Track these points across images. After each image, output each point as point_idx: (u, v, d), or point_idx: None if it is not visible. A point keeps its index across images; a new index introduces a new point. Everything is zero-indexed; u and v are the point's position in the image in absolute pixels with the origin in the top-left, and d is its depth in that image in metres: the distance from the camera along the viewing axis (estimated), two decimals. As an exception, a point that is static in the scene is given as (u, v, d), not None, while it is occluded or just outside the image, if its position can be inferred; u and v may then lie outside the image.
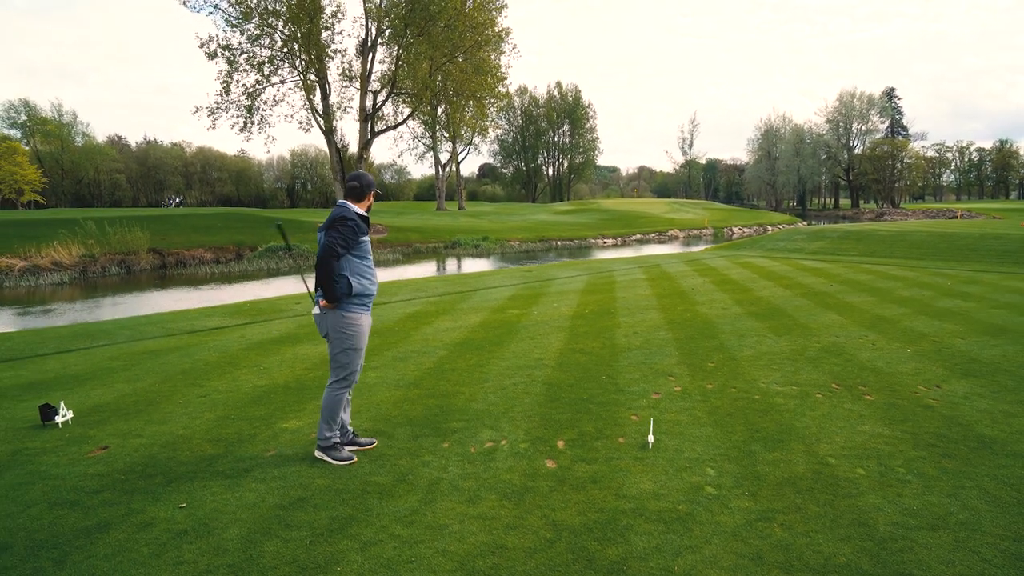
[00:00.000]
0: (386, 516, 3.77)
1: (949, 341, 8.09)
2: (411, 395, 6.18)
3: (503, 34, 42.61)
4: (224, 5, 37.25)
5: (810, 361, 7.18)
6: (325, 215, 51.97)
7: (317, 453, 4.63)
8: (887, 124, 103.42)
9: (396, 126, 44.53)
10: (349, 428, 4.80)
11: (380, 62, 42.18)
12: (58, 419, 5.48)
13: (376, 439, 4.98)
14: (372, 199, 4.68)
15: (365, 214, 4.62)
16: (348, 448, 4.73)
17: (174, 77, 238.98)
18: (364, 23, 39.94)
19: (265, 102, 39.66)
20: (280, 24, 38.34)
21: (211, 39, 37.04)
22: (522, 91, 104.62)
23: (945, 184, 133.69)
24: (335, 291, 4.44)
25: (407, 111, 43.93)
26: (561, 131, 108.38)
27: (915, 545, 3.37)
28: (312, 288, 4.81)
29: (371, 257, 4.60)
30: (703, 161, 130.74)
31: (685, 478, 4.24)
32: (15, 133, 79.74)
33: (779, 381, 6.43)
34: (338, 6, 39.38)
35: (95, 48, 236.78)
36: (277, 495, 4.07)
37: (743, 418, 5.35)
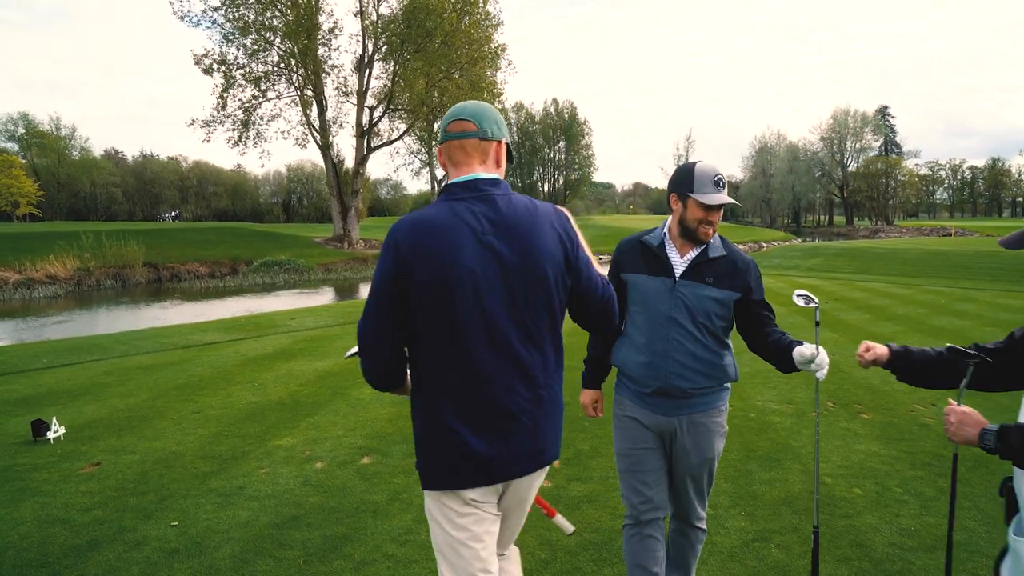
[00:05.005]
0: (380, 535, 3.74)
1: (944, 359, 8.10)
2: (405, 412, 6.15)
3: (499, 51, 42.83)
4: (221, 20, 37.39)
5: (806, 379, 7.17)
6: (321, 230, 51.91)
7: None
8: (881, 142, 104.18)
9: (392, 142, 44.67)
10: None
11: (376, 78, 42.32)
12: (50, 435, 5.43)
13: (371, 457, 4.95)
14: None
15: None
16: None
17: (169, 91, 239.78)
18: (361, 39, 40.22)
19: (261, 117, 39.79)
20: (277, 40, 38.54)
21: (206, 54, 37.18)
22: (518, 107, 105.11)
23: (938, 202, 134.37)
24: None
25: (403, 127, 44.07)
26: (557, 147, 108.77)
27: (913, 567, 3.35)
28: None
29: None
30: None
31: (681, 497, 4.22)
32: (12, 146, 79.77)
33: (775, 399, 6.42)
34: (335, 22, 39.85)
35: (91, 62, 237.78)
36: (270, 513, 4.04)
37: (739, 437, 5.33)
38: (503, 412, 1.98)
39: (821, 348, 2.46)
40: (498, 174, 2.06)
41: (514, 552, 2.38)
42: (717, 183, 2.57)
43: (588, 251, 2.12)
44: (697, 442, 2.70)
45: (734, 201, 2.62)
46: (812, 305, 2.73)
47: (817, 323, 2.77)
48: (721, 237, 2.69)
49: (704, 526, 2.87)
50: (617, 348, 2.84)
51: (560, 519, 2.74)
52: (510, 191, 2.02)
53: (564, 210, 2.11)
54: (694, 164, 2.61)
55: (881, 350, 2.26)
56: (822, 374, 2.46)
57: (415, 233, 1.91)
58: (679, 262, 2.65)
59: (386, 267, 1.92)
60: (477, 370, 1.95)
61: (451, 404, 1.96)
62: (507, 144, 2.11)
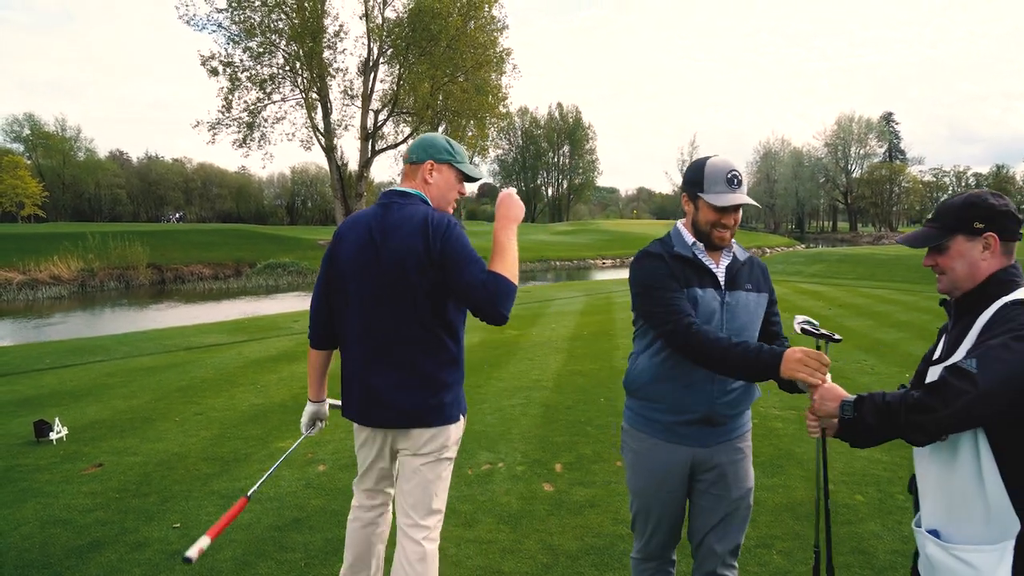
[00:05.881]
0: (382, 539, 3.73)
1: (948, 366, 8.07)
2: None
3: (504, 55, 42.84)
4: (226, 23, 37.51)
5: (809, 385, 7.15)
6: (325, 232, 51.93)
7: None
8: (885, 148, 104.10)
9: (397, 145, 44.63)
10: None
11: (381, 81, 42.36)
12: (52, 436, 5.44)
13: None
14: None
15: None
16: None
17: (174, 93, 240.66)
18: (366, 43, 40.28)
19: (266, 120, 39.86)
20: (282, 42, 38.65)
21: (212, 56, 37.31)
22: (523, 111, 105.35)
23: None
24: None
25: (408, 130, 44.07)
26: (561, 152, 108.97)
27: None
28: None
29: None
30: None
31: (683, 503, 4.21)
32: (17, 147, 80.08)
33: (778, 405, 6.41)
34: (340, 26, 39.71)
35: (95, 63, 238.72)
36: (272, 516, 4.04)
37: (742, 442, 5.32)
38: (364, 367, 2.54)
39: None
40: (415, 187, 2.58)
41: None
42: (731, 181, 2.26)
43: (467, 253, 2.41)
44: (737, 472, 2.41)
45: (751, 201, 2.30)
46: (817, 335, 2.26)
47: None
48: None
49: (736, 565, 2.50)
50: (640, 371, 2.42)
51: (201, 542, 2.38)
52: (414, 202, 2.51)
53: (455, 224, 2.46)
54: (706, 159, 2.30)
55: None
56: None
57: (343, 226, 2.59)
58: (717, 271, 2.36)
59: (326, 251, 2.63)
60: (347, 333, 2.57)
61: (345, 359, 2.63)
62: (445, 162, 2.59)
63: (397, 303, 2.45)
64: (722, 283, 2.34)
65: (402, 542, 2.54)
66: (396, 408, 2.51)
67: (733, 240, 2.38)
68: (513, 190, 2.63)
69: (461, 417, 2.61)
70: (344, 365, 2.63)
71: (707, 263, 2.34)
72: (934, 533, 1.79)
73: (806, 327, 2.29)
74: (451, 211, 2.67)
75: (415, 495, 2.55)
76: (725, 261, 2.38)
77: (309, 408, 2.91)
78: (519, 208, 2.59)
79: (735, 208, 2.28)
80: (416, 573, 2.48)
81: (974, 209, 1.83)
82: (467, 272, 2.36)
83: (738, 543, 2.49)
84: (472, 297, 2.36)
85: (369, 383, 2.53)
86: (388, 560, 2.75)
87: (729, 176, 2.25)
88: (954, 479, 1.74)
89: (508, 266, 2.42)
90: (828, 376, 1.95)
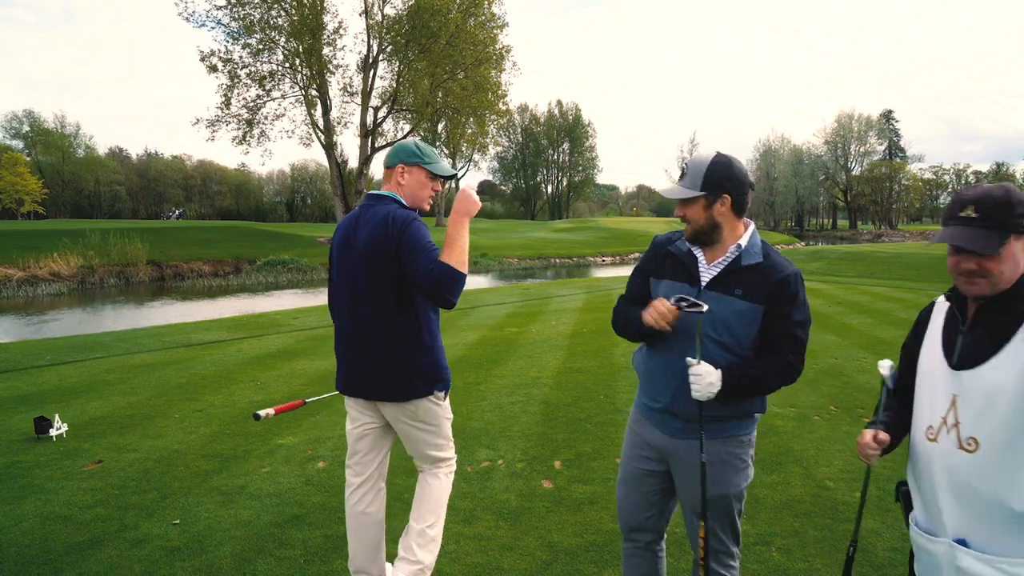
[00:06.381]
0: (381, 535, 3.74)
1: (947, 364, 8.07)
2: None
3: (504, 52, 42.82)
4: (226, 20, 37.46)
5: (808, 383, 7.16)
6: (325, 230, 51.90)
7: None
8: (885, 146, 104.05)
9: (396, 142, 44.70)
10: None
11: (381, 78, 42.33)
12: (52, 432, 5.44)
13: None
14: None
15: None
16: None
17: (174, 90, 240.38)
18: (366, 39, 40.24)
19: (266, 117, 39.85)
20: (282, 39, 38.61)
21: (212, 53, 37.29)
22: (523, 109, 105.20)
23: (942, 206, 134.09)
24: None
25: (407, 127, 44.08)
26: (561, 149, 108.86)
27: (914, 571, 3.34)
28: None
29: None
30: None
31: (683, 500, 4.21)
32: (17, 144, 79.96)
33: (777, 403, 6.41)
34: (340, 22, 39.71)
35: (97, 61, 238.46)
36: (272, 513, 4.04)
37: (741, 440, 5.32)
38: (348, 345, 2.95)
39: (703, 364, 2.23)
40: (391, 190, 2.94)
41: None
42: (682, 172, 2.33)
43: (420, 244, 2.70)
44: (687, 476, 2.41)
45: (686, 191, 2.29)
46: (687, 306, 2.24)
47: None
48: (764, 243, 2.37)
49: (731, 561, 2.50)
50: (638, 353, 2.59)
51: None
52: (384, 203, 2.88)
53: (412, 220, 2.77)
54: None
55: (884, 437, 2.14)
56: (697, 392, 2.21)
57: (338, 225, 3.03)
58: (705, 269, 2.36)
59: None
60: (334, 317, 3.03)
61: (336, 340, 3.05)
62: (414, 165, 2.91)
63: (370, 292, 2.81)
64: (703, 282, 2.33)
65: (419, 477, 3.12)
66: (376, 383, 2.88)
67: (756, 240, 2.35)
68: (472, 186, 2.84)
69: (436, 391, 2.93)
70: (335, 345, 3.05)
71: (696, 258, 2.38)
72: (961, 542, 1.72)
73: (680, 303, 2.24)
74: (427, 207, 3.03)
75: (416, 453, 3.06)
76: (722, 262, 2.33)
77: None
78: (472, 203, 2.83)
79: (679, 203, 2.33)
80: (424, 493, 3.06)
81: (1022, 206, 1.67)
82: (417, 262, 2.68)
83: (723, 542, 2.47)
84: (422, 285, 2.68)
85: (354, 360, 2.93)
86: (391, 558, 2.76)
87: (681, 168, 2.34)
88: (998, 487, 1.64)
89: (455, 256, 2.68)
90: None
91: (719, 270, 2.32)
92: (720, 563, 2.47)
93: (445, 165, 2.99)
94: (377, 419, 3.01)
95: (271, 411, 3.27)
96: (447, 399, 3.04)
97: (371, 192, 2.96)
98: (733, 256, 2.32)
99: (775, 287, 2.28)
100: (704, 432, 2.32)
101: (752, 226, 2.40)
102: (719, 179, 2.27)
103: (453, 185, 69.30)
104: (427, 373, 2.88)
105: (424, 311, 2.87)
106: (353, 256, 2.84)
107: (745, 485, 2.46)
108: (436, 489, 3.07)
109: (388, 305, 2.80)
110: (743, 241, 2.33)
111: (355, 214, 2.93)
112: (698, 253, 2.38)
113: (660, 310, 2.22)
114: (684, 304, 2.23)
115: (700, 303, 2.22)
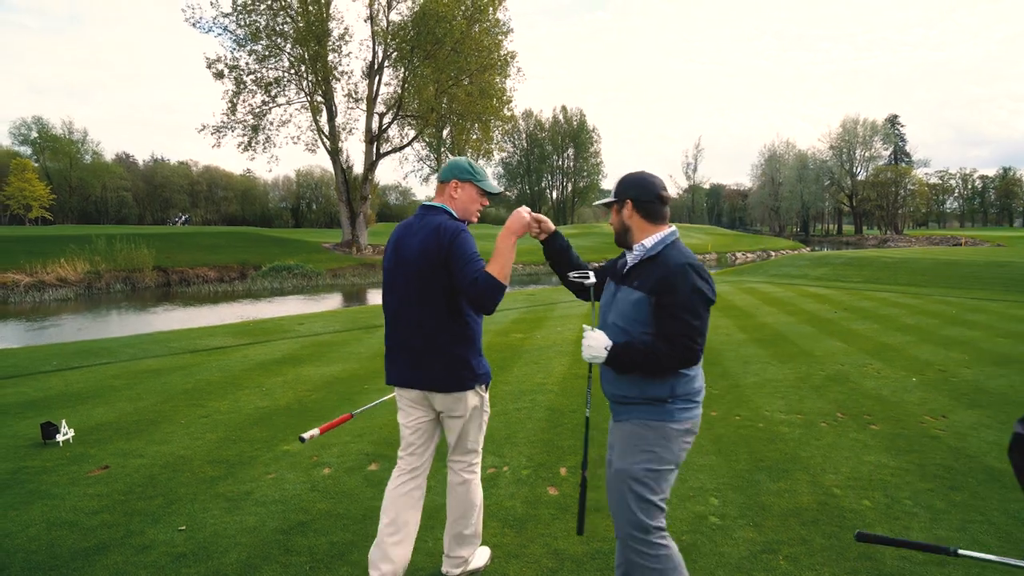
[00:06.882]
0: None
1: (955, 370, 8.05)
2: (413, 418, 6.14)
3: (508, 58, 42.88)
4: (232, 26, 37.65)
5: (814, 389, 7.13)
6: (330, 235, 51.92)
7: None
8: (890, 151, 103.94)
9: (401, 148, 44.74)
10: None
11: (386, 84, 42.51)
12: (59, 437, 5.45)
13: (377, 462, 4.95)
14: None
15: None
16: None
17: (180, 96, 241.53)
18: (371, 46, 40.40)
19: (271, 123, 40.02)
20: (288, 45, 38.78)
21: (219, 59, 37.49)
22: (527, 114, 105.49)
23: (949, 211, 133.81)
24: None
25: (412, 133, 44.17)
26: (566, 155, 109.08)
27: (923, 580, 3.31)
28: None
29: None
30: (707, 186, 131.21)
31: (689, 507, 4.20)
32: (25, 150, 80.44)
33: (783, 409, 6.39)
34: (345, 29, 40.08)
35: (103, 67, 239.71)
36: (277, 519, 4.04)
37: (747, 447, 5.31)
38: (399, 343, 3.20)
39: (589, 329, 2.72)
40: (444, 202, 3.21)
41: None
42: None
43: (466, 254, 2.97)
44: (616, 451, 2.75)
45: (607, 199, 2.87)
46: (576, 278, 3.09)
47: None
48: (674, 244, 2.71)
49: (639, 546, 2.61)
50: None
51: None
52: (437, 214, 3.14)
53: (462, 231, 3.04)
54: None
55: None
56: (585, 353, 2.72)
57: (393, 231, 3.29)
58: (623, 267, 2.83)
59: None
60: (388, 316, 3.27)
61: (386, 336, 3.31)
62: (467, 180, 3.20)
63: (423, 294, 3.08)
64: (620, 277, 2.80)
65: (449, 475, 3.36)
66: (430, 376, 3.14)
67: (646, 239, 2.74)
68: (527, 208, 3.10)
69: (480, 385, 3.26)
70: (388, 341, 3.29)
71: (625, 260, 2.85)
72: None
73: (577, 277, 3.02)
74: (475, 220, 3.32)
75: (458, 445, 3.31)
76: (634, 259, 2.75)
77: None
78: (519, 222, 3.05)
79: (604, 207, 2.89)
80: (456, 493, 3.31)
81: None
82: (463, 271, 2.94)
83: (624, 525, 2.65)
84: (466, 292, 2.94)
85: (408, 356, 3.17)
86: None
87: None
88: None
89: (498, 268, 2.91)
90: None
91: (627, 267, 2.77)
92: (625, 546, 2.67)
93: (493, 183, 3.32)
94: (429, 412, 3.27)
95: (316, 432, 3.41)
96: (487, 392, 3.38)
97: (424, 203, 3.23)
98: (638, 254, 2.74)
99: (661, 278, 2.61)
100: (615, 412, 2.83)
101: (669, 231, 2.76)
102: (625, 188, 2.79)
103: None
104: (473, 367, 3.19)
105: (469, 312, 3.16)
106: (408, 261, 3.09)
107: (643, 468, 2.63)
108: (473, 492, 3.32)
109: (439, 306, 3.07)
110: (647, 242, 2.73)
111: (409, 222, 3.22)
112: (628, 255, 2.82)
113: (527, 219, 3.03)
114: (574, 275, 3.04)
115: (588, 274, 2.95)
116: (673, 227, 2.78)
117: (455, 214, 3.17)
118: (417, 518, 3.24)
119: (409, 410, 3.26)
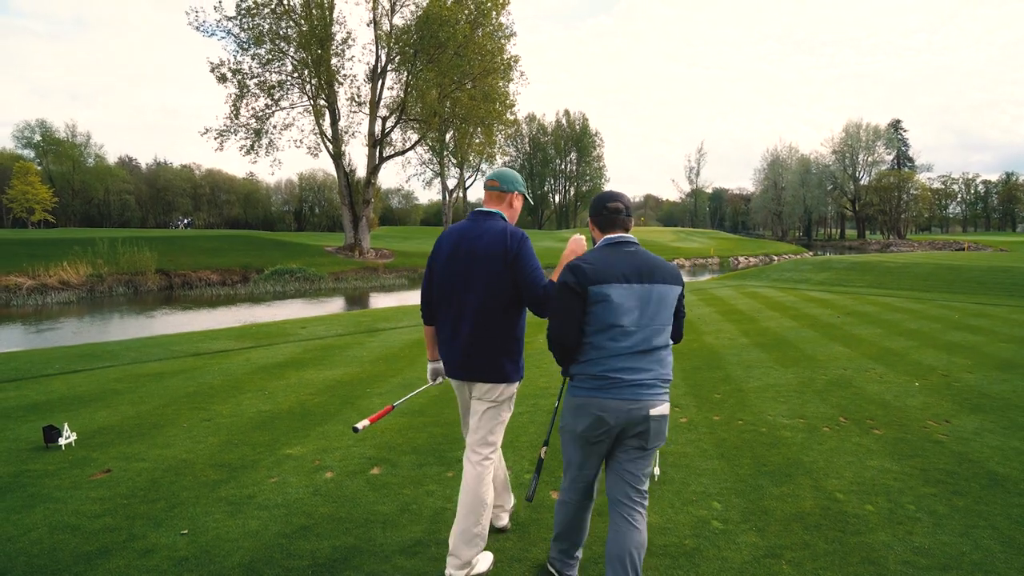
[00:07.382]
0: (390, 547, 3.73)
1: (958, 375, 8.03)
2: (416, 423, 6.15)
3: (512, 62, 42.94)
4: (236, 30, 37.75)
5: (817, 393, 7.12)
6: (332, 239, 51.94)
7: None
8: (893, 155, 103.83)
9: (404, 152, 44.81)
10: None
11: (389, 88, 42.56)
12: (61, 441, 5.46)
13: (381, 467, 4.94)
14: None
15: None
16: None
17: (184, 99, 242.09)
18: (374, 50, 40.50)
19: (274, 126, 40.09)
20: (291, 49, 38.86)
21: (222, 63, 37.58)
22: (530, 118, 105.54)
23: (951, 216, 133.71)
24: None
25: (415, 137, 44.21)
26: (568, 159, 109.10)
27: (926, 586, 3.30)
28: None
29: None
30: (709, 191, 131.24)
31: (691, 512, 4.19)
32: (28, 153, 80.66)
33: (786, 414, 6.38)
34: (348, 33, 40.04)
35: (106, 70, 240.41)
36: (280, 523, 4.04)
37: (750, 451, 5.30)
38: (453, 335, 3.46)
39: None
40: (501, 209, 3.56)
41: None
42: None
43: (533, 263, 3.40)
44: None
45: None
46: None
47: None
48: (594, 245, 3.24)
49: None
50: None
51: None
52: (495, 219, 3.47)
53: (526, 238, 3.42)
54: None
55: None
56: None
57: (442, 235, 3.58)
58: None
59: (431, 254, 3.59)
60: (442, 310, 3.50)
61: (440, 330, 3.56)
62: (522, 193, 3.67)
63: (478, 291, 3.36)
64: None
65: (464, 464, 3.48)
66: (477, 367, 3.41)
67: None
68: (582, 236, 3.47)
69: (516, 379, 3.48)
70: (439, 334, 3.56)
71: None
72: None
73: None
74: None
75: (482, 434, 3.47)
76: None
77: (430, 366, 3.78)
78: (579, 245, 3.46)
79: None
80: (468, 487, 3.39)
81: None
82: (530, 278, 3.34)
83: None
84: (534, 295, 3.32)
85: (460, 347, 3.42)
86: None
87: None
88: None
89: None
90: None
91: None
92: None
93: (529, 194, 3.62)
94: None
95: (367, 422, 3.60)
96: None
97: (479, 209, 3.52)
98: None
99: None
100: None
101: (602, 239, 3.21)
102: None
103: (461, 194, 69.53)
104: (515, 362, 3.46)
105: (520, 311, 3.47)
106: (469, 261, 3.38)
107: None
108: (484, 489, 3.41)
109: (497, 303, 3.35)
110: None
111: (464, 225, 3.48)
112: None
113: (585, 246, 3.51)
114: None
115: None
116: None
117: (508, 220, 3.51)
118: (489, 494, 3.44)
119: (461, 396, 3.61)
